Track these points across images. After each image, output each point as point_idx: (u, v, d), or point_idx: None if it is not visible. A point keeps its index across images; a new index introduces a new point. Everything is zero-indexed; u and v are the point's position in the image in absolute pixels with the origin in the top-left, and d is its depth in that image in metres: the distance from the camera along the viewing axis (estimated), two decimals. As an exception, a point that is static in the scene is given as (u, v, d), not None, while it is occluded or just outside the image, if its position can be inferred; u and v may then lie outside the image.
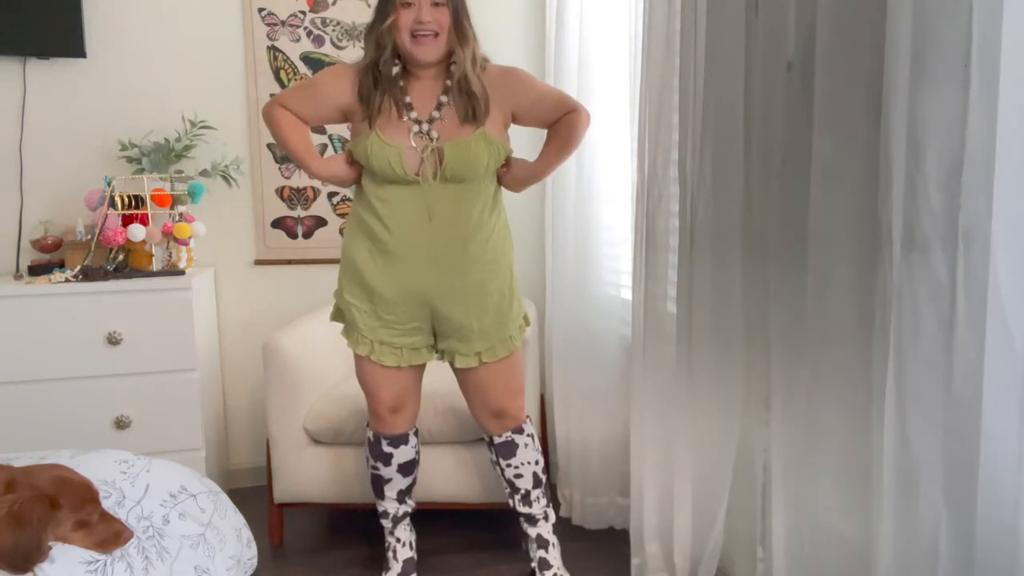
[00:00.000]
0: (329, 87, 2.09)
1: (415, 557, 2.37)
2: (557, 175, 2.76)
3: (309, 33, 3.05)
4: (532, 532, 2.30)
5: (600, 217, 2.60)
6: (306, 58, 3.06)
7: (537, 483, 2.27)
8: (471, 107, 2.02)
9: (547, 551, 2.29)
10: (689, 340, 1.95)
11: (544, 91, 2.15)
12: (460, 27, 2.01)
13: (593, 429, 2.63)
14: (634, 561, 2.24)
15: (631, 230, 2.31)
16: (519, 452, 2.22)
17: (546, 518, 2.30)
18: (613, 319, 2.60)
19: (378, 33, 2.01)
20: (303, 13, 3.04)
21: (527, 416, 2.27)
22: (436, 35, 1.98)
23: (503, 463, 2.24)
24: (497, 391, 2.18)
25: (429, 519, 2.63)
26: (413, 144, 2.03)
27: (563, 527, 2.69)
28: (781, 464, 1.61)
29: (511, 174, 2.17)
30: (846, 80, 1.36)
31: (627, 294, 2.50)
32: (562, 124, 2.11)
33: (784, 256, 1.56)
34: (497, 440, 2.23)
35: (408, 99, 2.05)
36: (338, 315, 2.21)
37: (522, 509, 2.28)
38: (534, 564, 2.30)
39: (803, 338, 1.50)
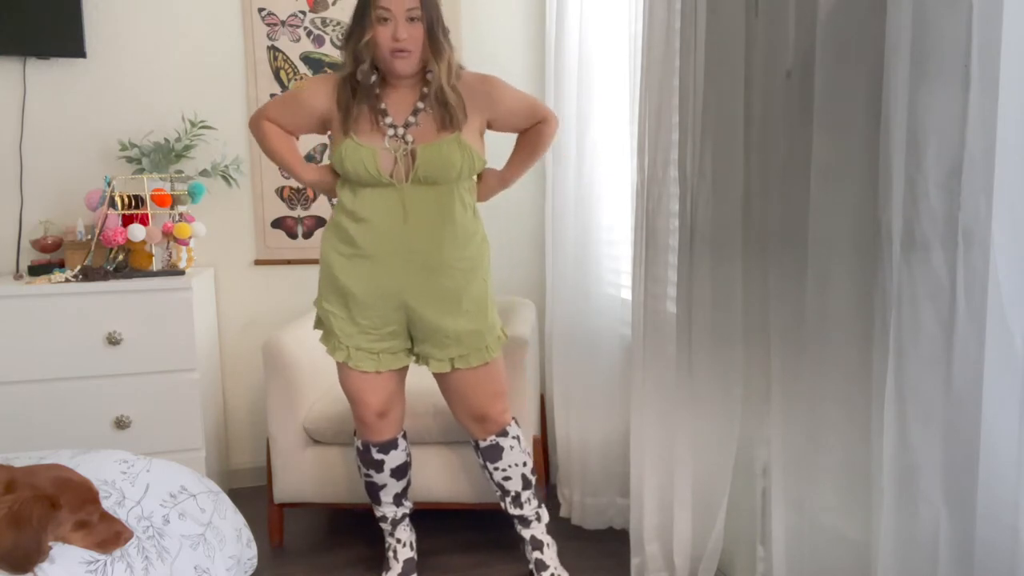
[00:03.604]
0: (309, 97, 2.13)
1: (415, 557, 2.37)
2: (557, 175, 2.76)
3: (309, 33, 3.05)
4: (526, 534, 2.31)
5: (600, 217, 2.60)
6: (306, 58, 3.06)
7: (526, 485, 2.27)
8: (447, 115, 2.06)
9: (542, 552, 2.29)
10: (689, 340, 1.95)
11: (518, 99, 2.18)
12: (435, 40, 2.03)
13: (593, 429, 2.63)
14: (634, 561, 2.24)
15: (631, 230, 2.31)
16: (505, 455, 2.23)
17: (538, 519, 2.31)
18: (613, 319, 2.60)
19: (354, 49, 2.03)
20: (303, 13, 3.04)
21: (512, 419, 2.27)
22: (411, 52, 2.01)
23: (490, 466, 2.25)
24: (477, 395, 2.18)
25: (429, 519, 2.63)
26: (387, 146, 2.05)
27: (563, 527, 2.69)
28: (781, 464, 1.61)
29: (482, 183, 2.22)
30: (846, 80, 1.36)
31: (627, 294, 2.50)
32: (532, 132, 2.19)
33: (784, 256, 1.56)
34: (482, 444, 2.24)
35: (383, 106, 2.07)
36: (319, 323, 2.23)
37: (513, 511, 2.29)
38: (531, 566, 2.30)
39: (803, 338, 1.50)
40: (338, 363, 2.18)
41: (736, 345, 1.83)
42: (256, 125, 2.17)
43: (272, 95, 3.03)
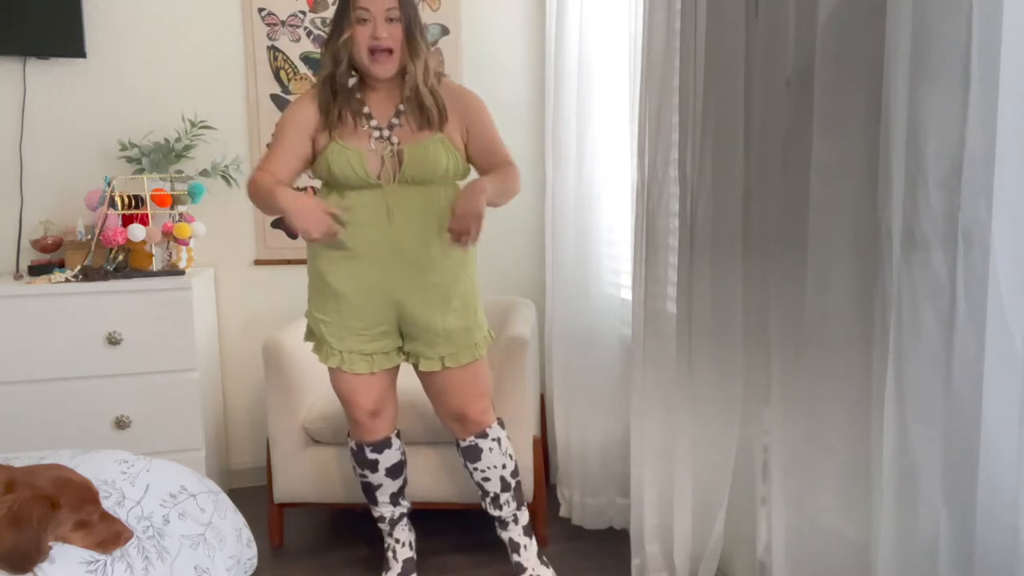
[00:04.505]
0: (295, 116, 2.10)
1: (415, 557, 2.37)
2: (557, 175, 2.76)
3: (309, 33, 3.05)
4: (504, 536, 2.32)
5: (600, 217, 2.60)
6: (306, 58, 3.06)
7: (505, 487, 2.27)
8: (424, 117, 2.07)
9: (519, 554, 2.31)
10: (689, 340, 1.95)
11: (493, 127, 2.16)
12: (413, 41, 2.05)
13: (593, 429, 2.63)
14: (634, 561, 2.24)
15: (631, 230, 2.31)
16: (484, 457, 2.23)
17: (516, 521, 2.31)
18: (613, 319, 2.60)
19: (334, 48, 2.05)
20: (303, 13, 3.04)
21: (498, 420, 2.28)
22: (391, 51, 2.02)
23: (470, 466, 2.27)
24: (457, 395, 2.19)
25: (428, 519, 2.63)
26: (373, 147, 2.07)
27: (563, 527, 2.69)
28: (781, 464, 1.61)
29: (460, 202, 1.98)
30: (846, 79, 1.36)
31: (627, 294, 2.50)
32: (504, 169, 2.11)
33: (784, 256, 1.56)
34: (462, 444, 2.24)
35: (366, 109, 2.09)
36: (310, 334, 2.23)
37: (492, 512, 2.30)
38: (513, 566, 2.32)
39: (803, 338, 1.50)
40: (330, 367, 2.19)
41: (736, 345, 1.83)
42: (250, 179, 2.09)
43: (272, 95, 3.04)
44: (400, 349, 2.21)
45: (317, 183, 2.59)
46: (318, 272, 2.14)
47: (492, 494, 2.27)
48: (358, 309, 2.12)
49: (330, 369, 2.19)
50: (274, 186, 2.01)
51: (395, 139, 2.08)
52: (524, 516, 2.33)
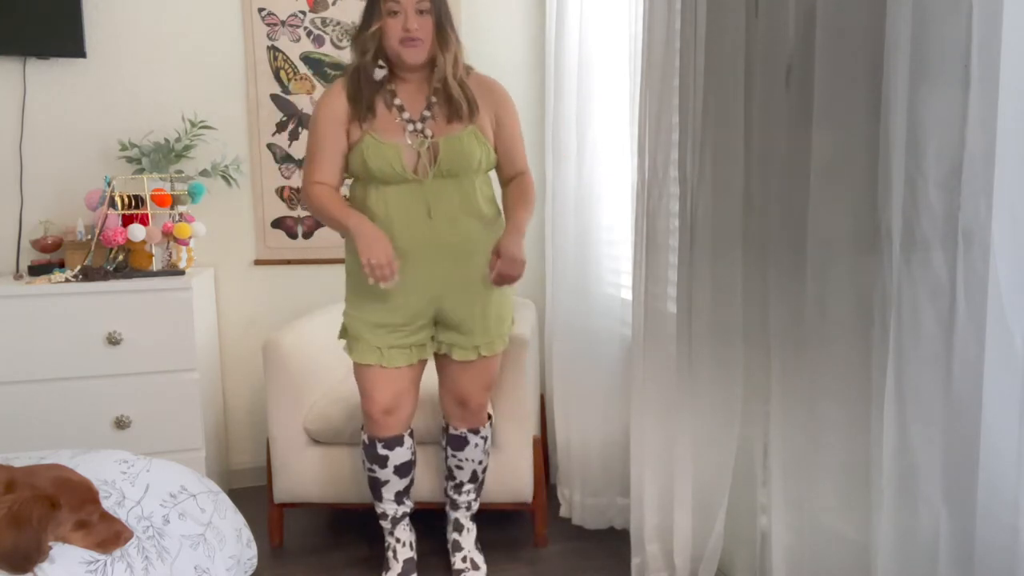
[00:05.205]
0: (328, 110, 2.10)
1: (415, 557, 2.37)
2: (557, 175, 2.76)
3: (309, 33, 3.05)
4: (452, 515, 2.41)
5: (600, 217, 2.60)
6: (306, 58, 3.06)
7: (473, 479, 2.35)
8: (454, 109, 2.09)
9: (461, 534, 2.39)
10: (689, 340, 1.95)
11: (519, 129, 2.22)
12: (443, 33, 2.07)
13: (593, 429, 2.63)
14: (634, 561, 2.24)
15: (631, 230, 2.31)
16: (467, 449, 2.30)
17: (468, 508, 2.39)
18: (613, 319, 2.60)
19: (362, 40, 2.07)
20: (303, 13, 3.04)
21: (488, 417, 2.34)
22: (421, 40, 2.04)
23: (449, 451, 2.33)
24: (467, 382, 2.23)
25: (429, 519, 2.63)
26: (409, 142, 2.07)
27: (564, 527, 2.69)
28: (781, 464, 1.61)
29: (507, 248, 2.06)
30: (846, 80, 1.36)
31: (627, 294, 2.50)
32: (521, 183, 2.21)
33: (784, 256, 1.56)
34: (451, 432, 2.30)
35: (398, 101, 2.10)
36: (344, 332, 2.24)
37: (451, 493, 2.39)
38: (449, 545, 2.40)
39: (803, 338, 1.50)
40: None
41: (736, 345, 1.83)
42: (308, 194, 2.10)
43: (272, 95, 3.03)
44: (432, 338, 2.23)
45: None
46: (358, 273, 2.11)
47: (458, 480, 2.35)
48: (401, 307, 2.13)
49: (356, 362, 2.20)
50: (342, 206, 2.08)
51: (428, 132, 2.09)
52: (476, 505, 2.41)
